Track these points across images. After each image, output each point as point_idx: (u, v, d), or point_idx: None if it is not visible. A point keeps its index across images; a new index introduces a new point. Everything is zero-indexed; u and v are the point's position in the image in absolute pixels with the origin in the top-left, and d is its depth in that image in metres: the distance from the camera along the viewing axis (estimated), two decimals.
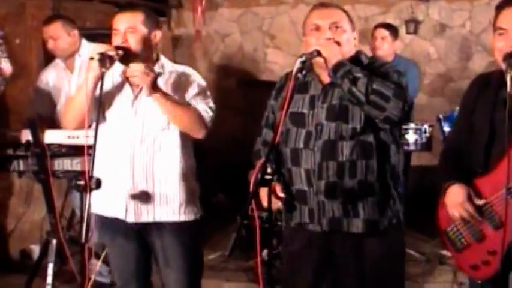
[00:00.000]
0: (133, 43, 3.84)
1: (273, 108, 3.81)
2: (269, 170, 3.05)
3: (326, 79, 3.54)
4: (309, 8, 3.72)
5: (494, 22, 3.31)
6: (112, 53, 3.68)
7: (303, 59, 3.26)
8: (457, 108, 5.65)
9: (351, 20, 3.62)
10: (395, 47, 6.78)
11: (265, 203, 3.34)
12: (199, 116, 3.95)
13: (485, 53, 8.38)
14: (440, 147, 7.03)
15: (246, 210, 3.08)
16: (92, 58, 3.61)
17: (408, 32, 8.76)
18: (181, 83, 3.99)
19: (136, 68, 3.69)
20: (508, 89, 3.04)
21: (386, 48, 6.61)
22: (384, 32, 6.65)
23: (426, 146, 6.33)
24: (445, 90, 8.88)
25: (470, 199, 3.30)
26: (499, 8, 3.30)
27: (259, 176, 3.06)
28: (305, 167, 3.54)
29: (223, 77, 9.59)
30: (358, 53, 3.63)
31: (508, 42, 3.19)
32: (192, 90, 3.99)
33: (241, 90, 9.35)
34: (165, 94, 3.80)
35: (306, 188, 3.55)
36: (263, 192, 3.34)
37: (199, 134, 4.00)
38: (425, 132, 6.28)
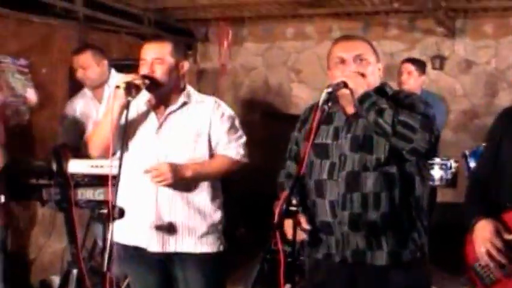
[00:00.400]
0: (160, 74, 3.85)
1: (297, 140, 3.80)
2: (294, 201, 3.02)
3: (351, 110, 3.53)
4: None
5: None
6: (138, 81, 3.70)
7: (330, 90, 3.25)
8: (483, 144, 5.66)
9: (375, 51, 3.60)
10: (421, 81, 6.75)
11: (289, 236, 3.31)
12: (233, 162, 4.04)
13: (510, 89, 8.36)
14: (465, 183, 6.99)
15: (270, 244, 3.05)
16: (118, 86, 3.63)
17: (434, 68, 8.74)
18: (208, 113, 3.99)
19: (154, 173, 3.76)
20: None
21: (412, 82, 6.58)
22: (410, 67, 6.63)
23: (451, 182, 6.27)
24: (469, 126, 8.83)
25: (498, 234, 3.25)
26: None
27: (284, 207, 3.03)
28: (329, 199, 3.50)
29: (249, 111, 9.59)
30: (383, 85, 3.62)
31: None
32: (223, 125, 4.01)
33: (266, 123, 9.34)
34: (193, 173, 3.86)
35: (330, 220, 3.50)
36: (287, 224, 3.31)
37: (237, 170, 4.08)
38: (450, 168, 6.23)
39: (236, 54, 9.65)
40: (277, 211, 3.07)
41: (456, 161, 6.23)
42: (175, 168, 3.77)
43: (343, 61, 3.52)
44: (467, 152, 6.16)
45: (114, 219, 3.36)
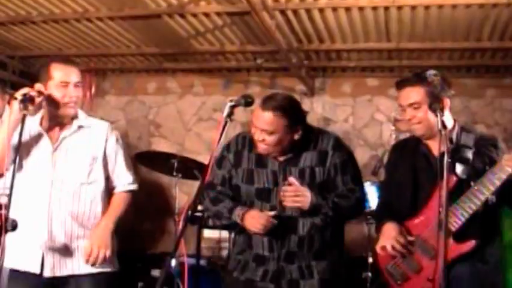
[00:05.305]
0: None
1: (230, 173, 3.92)
2: (199, 207, 3.07)
3: (280, 158, 3.82)
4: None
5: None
6: (34, 93, 3.66)
7: (233, 103, 3.36)
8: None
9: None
10: None
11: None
12: (130, 195, 4.15)
13: (367, 147, 8.67)
14: None
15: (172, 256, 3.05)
16: (15, 98, 3.59)
17: None
18: (103, 137, 4.01)
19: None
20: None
21: None
22: None
23: None
24: None
25: (402, 234, 3.69)
26: (398, 88, 3.85)
27: (189, 213, 3.06)
28: (269, 237, 3.72)
29: None
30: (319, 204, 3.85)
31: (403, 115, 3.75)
32: (118, 150, 4.12)
33: None
34: (113, 224, 4.01)
35: (267, 254, 3.78)
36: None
37: None
38: None
39: (97, 107, 9.54)
40: (182, 217, 3.10)
41: None
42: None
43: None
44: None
45: (7, 231, 3.30)
